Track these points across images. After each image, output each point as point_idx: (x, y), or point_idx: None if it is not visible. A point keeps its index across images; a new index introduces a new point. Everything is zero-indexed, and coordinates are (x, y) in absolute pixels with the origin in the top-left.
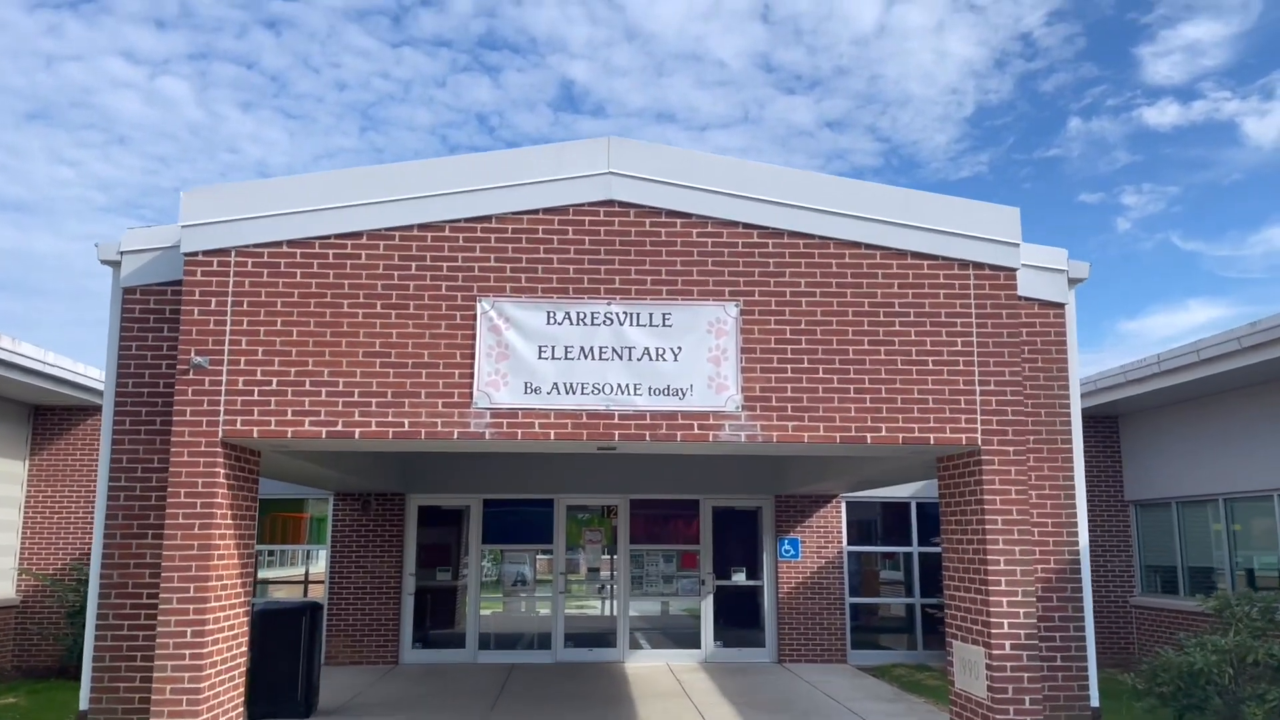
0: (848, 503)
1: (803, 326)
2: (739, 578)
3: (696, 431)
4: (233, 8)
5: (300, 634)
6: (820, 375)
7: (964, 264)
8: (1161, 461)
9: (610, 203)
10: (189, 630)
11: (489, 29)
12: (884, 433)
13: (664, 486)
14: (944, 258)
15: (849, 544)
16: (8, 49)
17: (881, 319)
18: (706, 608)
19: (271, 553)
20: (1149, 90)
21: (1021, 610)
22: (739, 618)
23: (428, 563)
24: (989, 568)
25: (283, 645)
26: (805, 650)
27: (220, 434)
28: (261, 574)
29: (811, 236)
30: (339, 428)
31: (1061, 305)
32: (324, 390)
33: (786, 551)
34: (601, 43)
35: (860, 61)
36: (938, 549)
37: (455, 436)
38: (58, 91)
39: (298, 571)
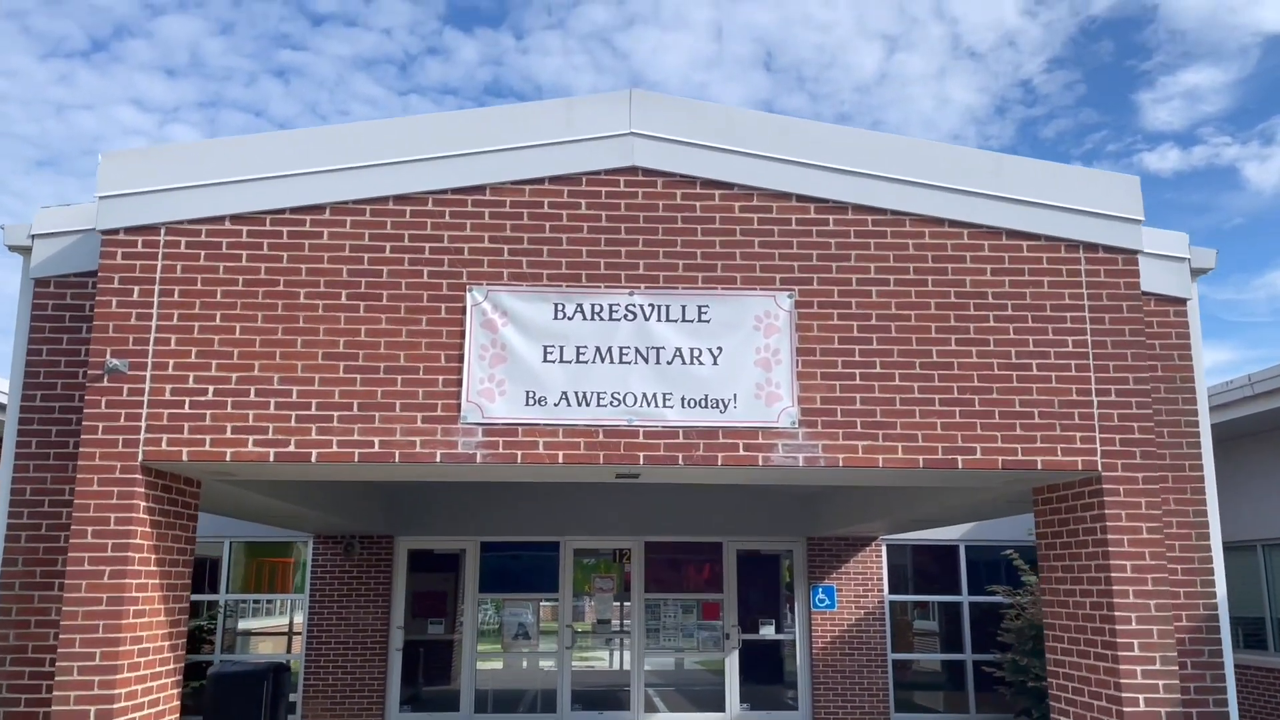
0: (888, 545)
1: (873, 322)
2: (767, 630)
3: (742, 453)
4: (242, 57)
5: (262, 700)
6: (897, 383)
7: (1072, 245)
8: (1244, 498)
9: (633, 170)
10: (92, 710)
11: (495, 77)
12: (978, 455)
13: (682, 527)
14: (1047, 237)
15: (890, 592)
16: (19, 97)
17: (972, 313)
18: (731, 664)
19: (258, 602)
20: (1149, 136)
21: (1161, 683)
22: (768, 675)
23: (420, 613)
24: (1117, 627)
25: (243, 714)
26: (843, 712)
27: (140, 456)
28: (244, 624)
29: (882, 211)
30: (291, 449)
31: (1183, 301)
32: (273, 401)
33: (821, 601)
34: (606, 90)
35: (862, 108)
36: (992, 599)
37: (438, 459)
38: (67, 140)
39: (282, 621)
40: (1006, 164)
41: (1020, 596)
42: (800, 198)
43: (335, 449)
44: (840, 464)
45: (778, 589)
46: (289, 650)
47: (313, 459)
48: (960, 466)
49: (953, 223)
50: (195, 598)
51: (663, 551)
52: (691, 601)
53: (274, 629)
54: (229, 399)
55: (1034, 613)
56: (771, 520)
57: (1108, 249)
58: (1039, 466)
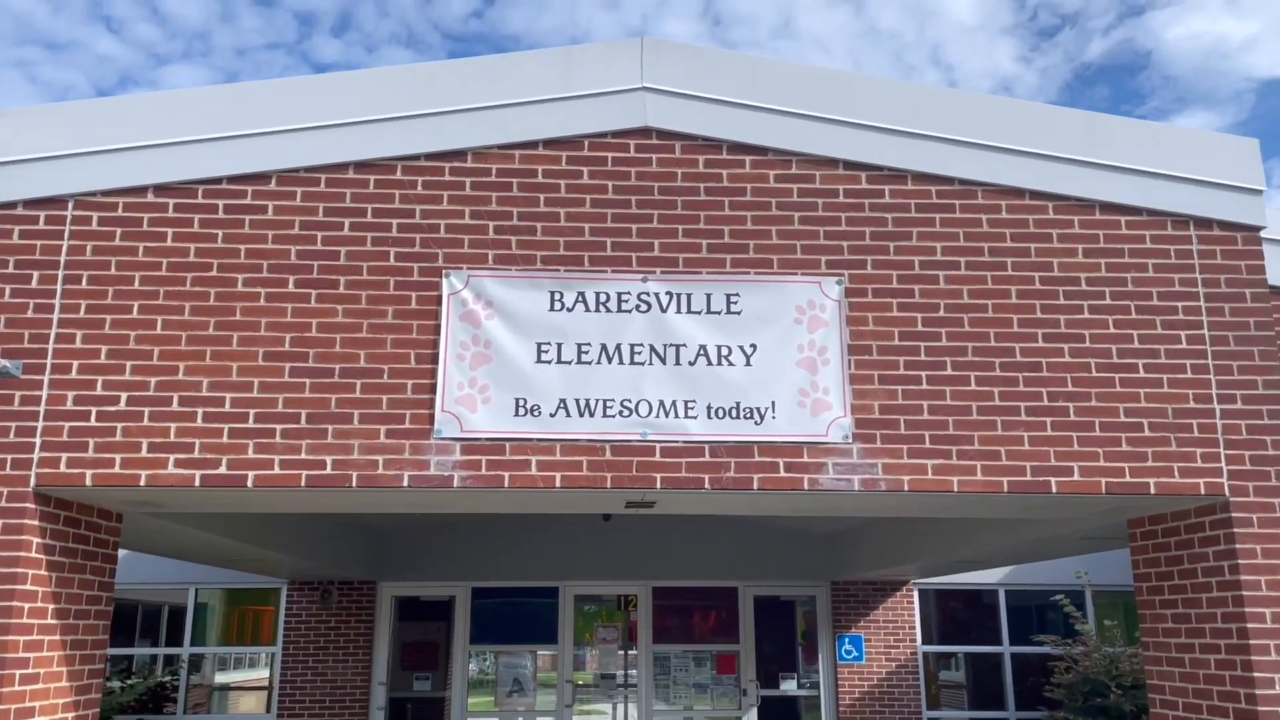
0: (920, 590)
1: (942, 314)
2: (788, 685)
3: (783, 475)
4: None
5: None
6: (972, 387)
7: (1180, 220)
8: None
9: (645, 132)
10: None
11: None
12: (1076, 476)
13: (693, 570)
14: (1150, 211)
15: (923, 643)
16: None
17: (1062, 302)
18: None
19: (240, 655)
20: None
21: None
22: None
23: (406, 665)
24: (1257, 692)
25: None
26: None
27: (33, 481)
28: (223, 678)
29: (948, 181)
30: (221, 470)
31: None
32: (200, 412)
33: (848, 653)
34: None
35: None
36: (1038, 649)
37: (405, 483)
38: None
39: (262, 675)
40: (1099, 124)
41: (1072, 647)
42: (849, 164)
43: (277, 471)
44: (905, 487)
45: (800, 639)
46: (268, 708)
47: (249, 483)
48: (1054, 491)
49: (1035, 194)
50: (158, 651)
51: (672, 597)
52: (704, 653)
53: (255, 683)
54: (146, 409)
55: (1088, 665)
56: (793, 561)
57: (1223, 225)
58: (1151, 490)
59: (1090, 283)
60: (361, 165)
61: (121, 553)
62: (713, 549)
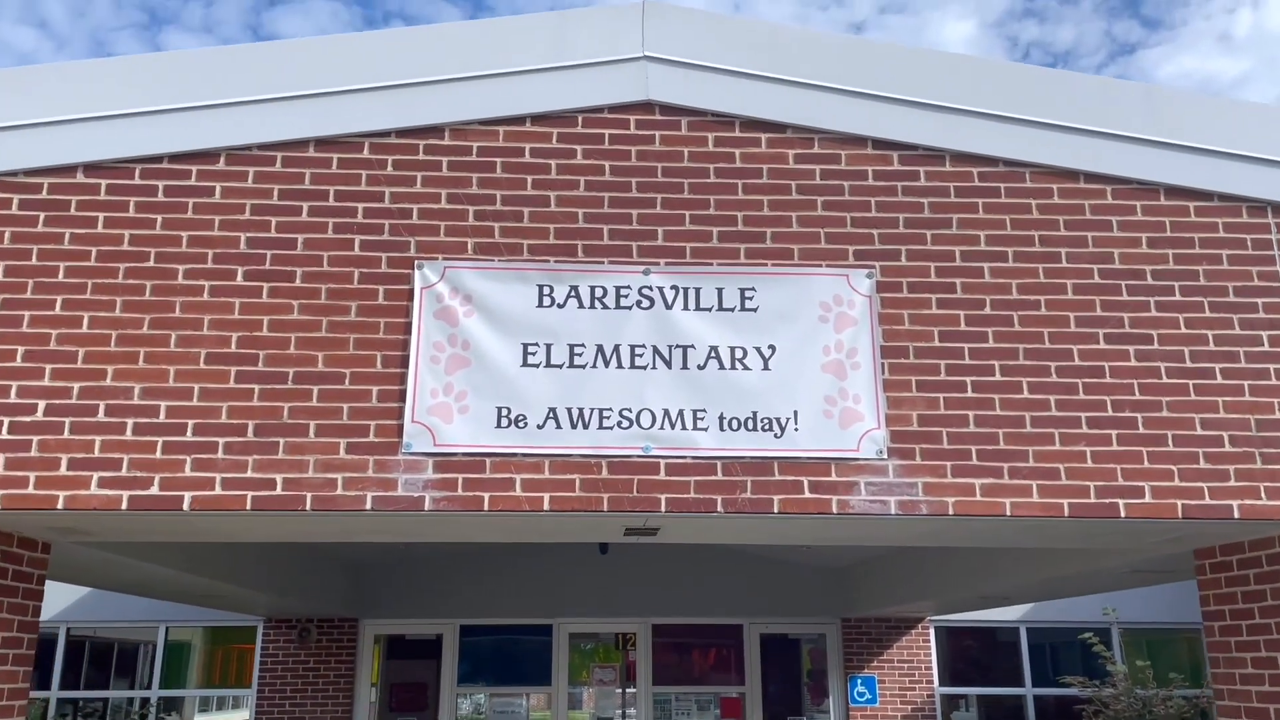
0: (936, 628)
1: (987, 311)
2: None
3: (807, 496)
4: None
5: None
6: (1025, 395)
7: (1257, 206)
8: None
9: (648, 106)
10: None
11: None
12: (1148, 498)
13: (696, 607)
14: (1222, 196)
15: (940, 684)
16: None
17: (1125, 298)
18: None
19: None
20: None
21: None
22: None
23: (394, 707)
24: None
25: None
26: None
27: None
28: (202, 719)
29: (992, 161)
30: (153, 491)
31: None
32: (131, 423)
33: (860, 695)
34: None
35: None
36: (1062, 691)
37: (369, 505)
38: None
39: (242, 716)
40: (1158, 98)
41: (1101, 689)
42: (878, 143)
43: (218, 491)
44: (950, 511)
45: (808, 679)
46: None
47: (185, 505)
48: (1122, 515)
49: (1090, 176)
50: (134, 694)
51: (673, 635)
52: (707, 695)
53: None
54: (67, 419)
55: (1119, 709)
56: (801, 598)
57: None
58: (1235, 514)
59: (1157, 276)
60: (323, 142)
61: (83, 589)
62: (716, 584)
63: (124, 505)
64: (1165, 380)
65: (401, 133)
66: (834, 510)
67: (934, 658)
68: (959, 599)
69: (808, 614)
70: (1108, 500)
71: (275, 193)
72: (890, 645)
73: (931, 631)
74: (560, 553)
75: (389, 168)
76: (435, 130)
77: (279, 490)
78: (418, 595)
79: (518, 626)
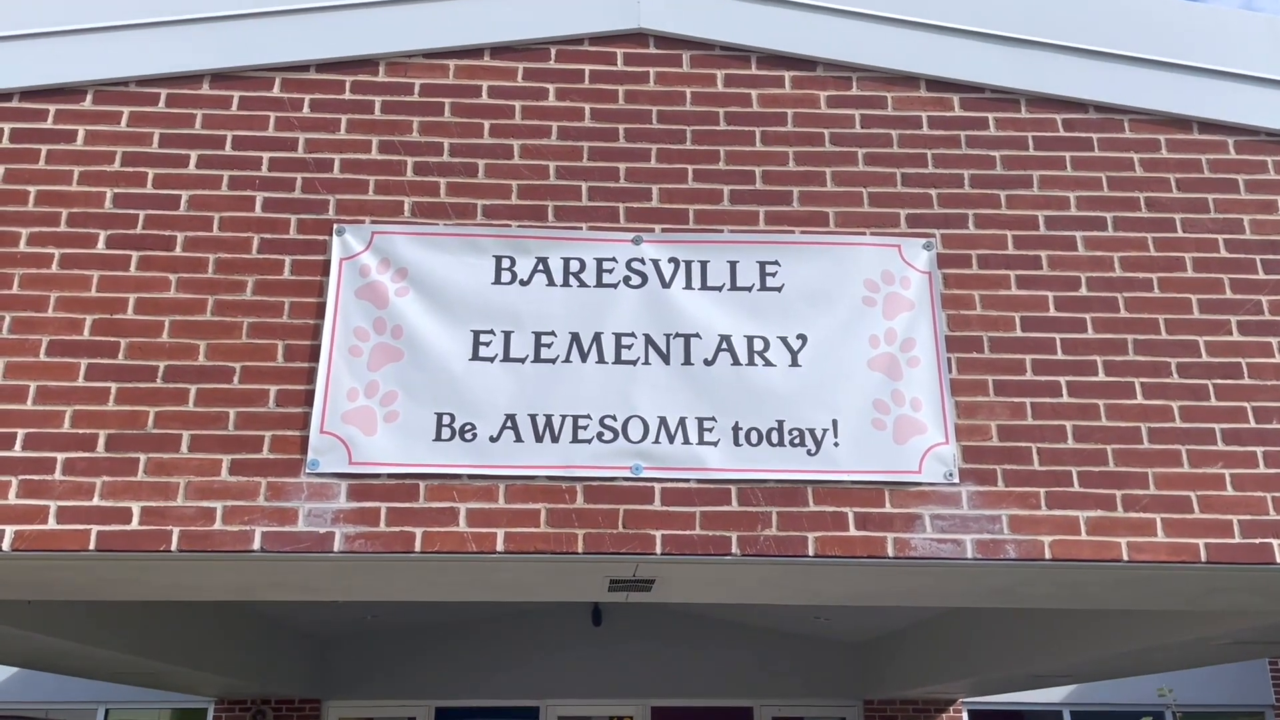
0: (970, 710)
1: (1083, 293)
2: None
3: (854, 533)
4: None
5: None
6: (1139, 401)
7: None
8: None
9: (640, 37)
10: None
11: None
12: None
13: (700, 686)
14: None
15: None
16: None
17: (1261, 277)
18: None
19: None
20: None
21: None
22: None
23: None
24: None
25: None
26: None
27: None
28: None
29: (1081, 107)
30: None
31: None
32: None
33: None
34: None
35: None
36: None
37: (257, 544)
38: None
39: None
40: None
41: None
42: (934, 83)
43: (53, 525)
44: (1047, 554)
45: None
46: None
47: (4, 543)
48: (1278, 560)
49: (1206, 125)
50: None
51: (674, 718)
52: None
53: None
54: None
55: None
56: (818, 677)
57: None
58: None
59: None
60: (222, 76)
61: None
62: (722, 659)
63: None
64: None
65: (323, 66)
66: (889, 553)
67: None
68: (1004, 677)
69: (826, 695)
70: (1257, 541)
71: (155, 138)
72: None
73: (965, 715)
74: (547, 623)
75: (305, 109)
76: (367, 63)
77: (135, 524)
78: (388, 673)
79: (500, 709)
